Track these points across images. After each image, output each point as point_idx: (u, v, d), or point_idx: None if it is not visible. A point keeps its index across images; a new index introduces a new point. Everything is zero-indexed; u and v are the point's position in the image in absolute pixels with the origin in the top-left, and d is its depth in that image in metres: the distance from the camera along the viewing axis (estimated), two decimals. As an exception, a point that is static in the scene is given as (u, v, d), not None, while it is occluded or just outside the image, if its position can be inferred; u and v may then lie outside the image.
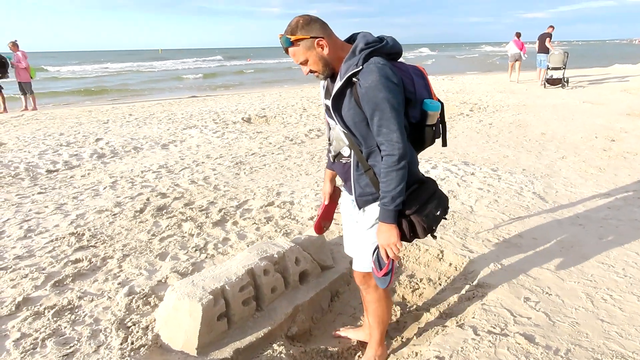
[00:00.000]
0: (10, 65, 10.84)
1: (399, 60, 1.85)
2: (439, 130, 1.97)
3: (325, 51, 1.74)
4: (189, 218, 3.82)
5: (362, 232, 1.98)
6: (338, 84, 1.72)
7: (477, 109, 9.61)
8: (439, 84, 14.71)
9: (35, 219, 3.86)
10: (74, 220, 3.81)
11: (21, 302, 2.57)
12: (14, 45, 10.78)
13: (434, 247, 3.28)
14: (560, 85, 13.32)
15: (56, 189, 4.71)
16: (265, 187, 4.66)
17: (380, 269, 1.88)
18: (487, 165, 5.31)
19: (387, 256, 1.84)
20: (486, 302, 2.60)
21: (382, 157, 1.75)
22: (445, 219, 2.05)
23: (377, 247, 1.89)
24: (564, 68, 13.39)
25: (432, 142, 1.95)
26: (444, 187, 4.50)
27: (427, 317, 2.64)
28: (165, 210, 4.01)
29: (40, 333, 2.30)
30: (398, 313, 2.72)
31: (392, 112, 1.67)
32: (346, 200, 2.14)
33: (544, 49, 14.16)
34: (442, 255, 3.21)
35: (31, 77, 11.21)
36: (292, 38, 1.72)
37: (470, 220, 3.73)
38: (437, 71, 24.41)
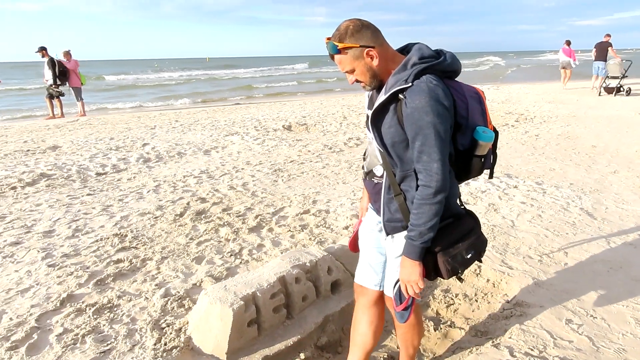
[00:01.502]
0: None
1: (455, 80, 1.69)
2: (488, 162, 1.78)
3: (375, 62, 1.60)
4: (226, 223, 3.89)
5: (390, 259, 1.85)
6: (382, 97, 1.59)
7: (524, 119, 9.29)
8: (483, 94, 14.32)
9: (83, 219, 4.06)
10: (118, 221, 3.98)
11: (65, 299, 2.70)
12: (67, 54, 11.44)
13: (471, 261, 3.18)
14: (620, 92, 12.74)
15: (104, 191, 4.93)
16: (301, 195, 4.69)
17: (400, 303, 1.79)
18: (532, 179, 5.11)
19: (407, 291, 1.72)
20: (524, 322, 2.49)
21: (417, 186, 1.61)
22: (481, 261, 1.88)
23: (398, 280, 1.76)
24: (624, 77, 12.81)
25: (480, 173, 1.78)
26: (484, 200, 4.37)
27: (461, 334, 2.56)
28: (204, 215, 4.11)
29: (80, 329, 2.40)
30: (431, 329, 2.65)
31: (436, 140, 1.52)
32: (370, 220, 1.96)
33: (602, 57, 13.63)
34: (480, 271, 3.11)
35: (82, 84, 11.85)
36: (340, 45, 1.58)
37: (511, 236, 3.59)
38: (482, 80, 23.82)
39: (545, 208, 4.16)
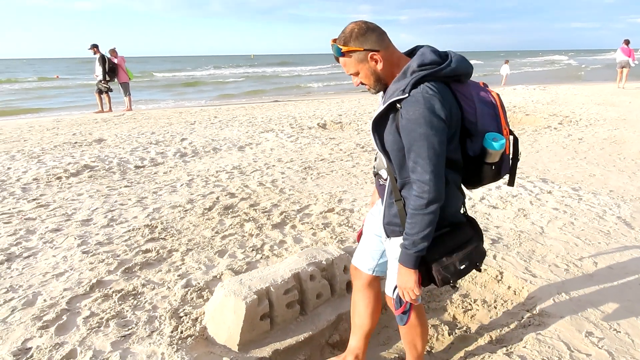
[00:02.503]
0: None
1: (468, 82, 1.66)
2: (505, 168, 1.73)
3: (379, 66, 1.60)
4: (251, 218, 3.99)
5: (391, 260, 1.87)
6: (381, 107, 1.61)
7: (568, 122, 8.90)
8: (529, 94, 13.84)
9: (119, 209, 4.27)
10: (151, 213, 4.16)
11: (95, 284, 2.86)
12: (114, 52, 11.98)
13: (493, 267, 3.12)
14: None
15: (140, 184, 5.16)
16: (328, 193, 4.72)
17: (400, 307, 1.81)
18: (568, 184, 4.91)
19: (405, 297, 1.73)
20: (542, 332, 2.42)
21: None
22: (479, 270, 1.84)
23: (397, 286, 1.78)
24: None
25: (496, 179, 1.74)
26: (514, 205, 4.25)
27: (476, 340, 2.52)
28: (231, 210, 4.23)
29: (106, 314, 2.55)
30: (445, 333, 2.62)
31: (429, 152, 1.52)
32: (377, 209, 1.99)
33: None
34: (501, 277, 3.04)
35: (129, 79, 12.40)
36: (344, 49, 1.59)
37: (539, 242, 3.48)
38: (528, 80, 22.97)
39: (579, 215, 3.99)
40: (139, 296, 2.75)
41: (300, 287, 2.63)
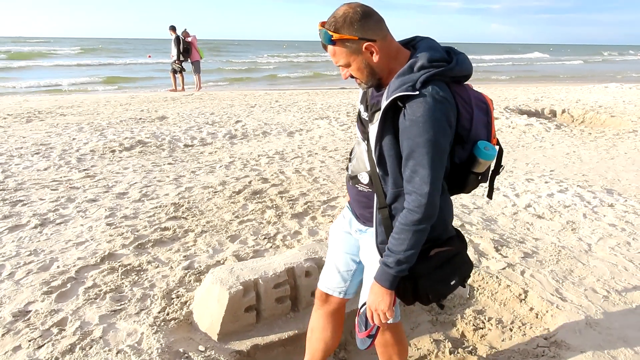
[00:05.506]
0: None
1: (464, 84, 1.49)
2: (485, 178, 1.57)
3: (375, 58, 1.39)
4: (274, 206, 3.93)
5: (366, 274, 1.70)
6: (384, 102, 1.37)
7: (660, 127, 7.85)
8: (621, 94, 12.43)
9: (154, 186, 4.42)
10: (182, 192, 4.25)
11: (106, 257, 2.96)
12: (186, 33, 12.48)
13: (517, 284, 2.79)
14: None
15: (184, 162, 5.31)
16: (362, 186, 4.54)
17: (364, 329, 1.61)
18: (638, 198, 4.30)
19: (373, 318, 1.54)
20: (554, 365, 2.11)
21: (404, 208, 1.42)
22: (464, 287, 1.64)
23: (365, 303, 1.58)
24: None
25: (476, 186, 1.57)
26: (563, 216, 3.80)
27: (477, 363, 2.27)
28: (258, 195, 4.21)
29: (106, 286, 2.62)
30: (447, 350, 2.39)
31: (433, 161, 1.34)
32: (346, 222, 1.78)
33: None
34: (525, 297, 2.71)
35: (201, 57, 12.87)
36: (335, 36, 1.36)
37: (580, 262, 3.07)
38: (629, 79, 20.68)
39: (639, 235, 3.47)
40: (141, 273, 2.80)
41: (294, 283, 2.53)
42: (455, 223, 3.62)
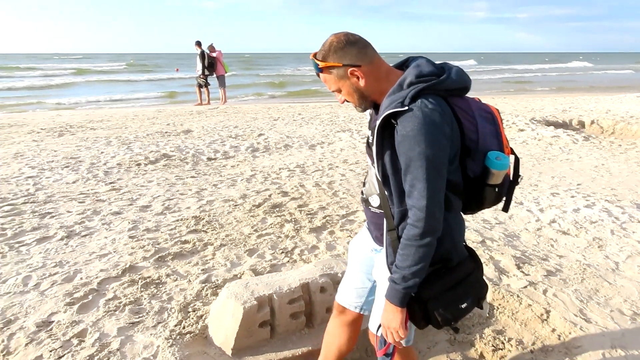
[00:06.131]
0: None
1: (465, 97, 1.49)
2: (505, 191, 1.55)
3: (362, 82, 1.45)
4: (293, 219, 3.95)
5: (377, 293, 1.69)
6: (377, 122, 1.42)
7: (696, 139, 7.54)
8: (654, 104, 12.01)
9: (177, 199, 4.51)
10: (203, 205, 4.32)
11: (127, 269, 3.03)
12: (212, 48, 12.76)
13: (539, 304, 2.71)
14: None
15: (206, 175, 5.41)
16: (381, 200, 4.51)
17: (382, 346, 1.61)
18: (671, 214, 4.13)
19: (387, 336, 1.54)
20: (576, 390, 2.04)
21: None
22: (481, 307, 1.60)
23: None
24: None
25: (497, 202, 1.55)
26: (589, 233, 3.67)
27: (495, 386, 2.21)
28: (277, 209, 4.24)
29: (126, 299, 2.68)
30: (464, 371, 2.33)
31: (428, 173, 1.34)
32: (365, 241, 1.80)
33: None
34: (547, 317, 2.63)
35: (225, 72, 13.14)
36: (322, 64, 1.44)
37: (607, 281, 2.96)
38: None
39: (671, 253, 3.33)
40: (160, 285, 2.85)
41: (309, 299, 2.52)
42: (476, 239, 3.55)
